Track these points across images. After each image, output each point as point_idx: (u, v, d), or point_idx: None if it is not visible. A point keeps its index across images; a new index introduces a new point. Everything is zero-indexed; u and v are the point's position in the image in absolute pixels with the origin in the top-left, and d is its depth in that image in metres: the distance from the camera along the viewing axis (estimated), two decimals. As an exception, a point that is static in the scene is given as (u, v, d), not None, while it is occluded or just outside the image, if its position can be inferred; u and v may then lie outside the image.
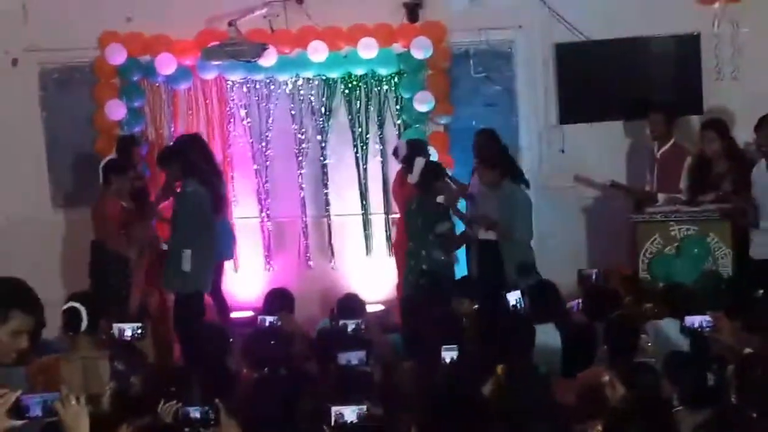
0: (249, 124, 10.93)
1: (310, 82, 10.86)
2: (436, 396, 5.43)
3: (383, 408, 5.78)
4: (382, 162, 10.89)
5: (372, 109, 10.85)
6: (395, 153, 10.23)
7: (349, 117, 10.86)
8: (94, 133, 10.67)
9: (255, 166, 10.95)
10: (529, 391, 5.63)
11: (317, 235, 11.06)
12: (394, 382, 6.46)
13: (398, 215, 10.33)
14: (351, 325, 7.35)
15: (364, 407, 5.37)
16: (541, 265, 9.25)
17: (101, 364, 6.29)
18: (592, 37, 10.54)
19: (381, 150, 10.88)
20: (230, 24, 10.18)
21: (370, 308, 9.14)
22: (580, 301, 8.18)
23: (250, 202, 10.91)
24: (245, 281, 10.74)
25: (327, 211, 11.01)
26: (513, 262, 9.11)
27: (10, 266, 7.46)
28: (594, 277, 8.59)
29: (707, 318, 6.92)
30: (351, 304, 8.04)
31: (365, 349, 6.70)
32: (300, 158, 10.95)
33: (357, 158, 10.92)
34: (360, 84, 10.83)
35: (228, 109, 10.92)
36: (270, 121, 10.92)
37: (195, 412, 5.37)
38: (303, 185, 10.98)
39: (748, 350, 6.43)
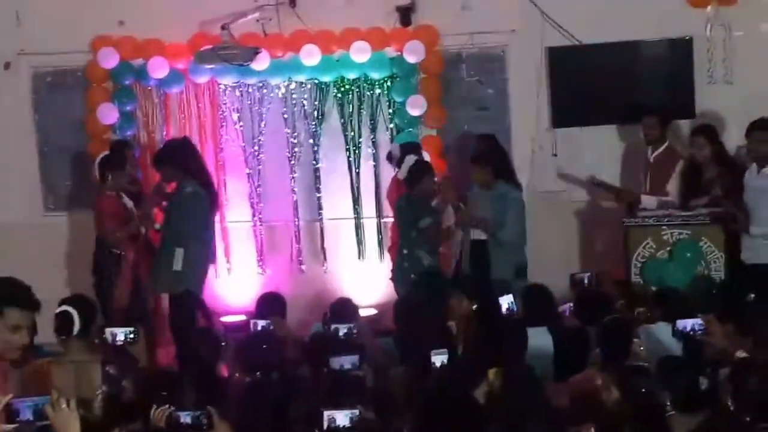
0: (241, 128, 10.92)
1: (303, 86, 10.86)
2: (429, 400, 5.42)
3: (376, 412, 5.77)
4: (374, 166, 10.89)
5: (364, 113, 10.85)
6: (389, 157, 10.24)
7: (342, 121, 10.86)
8: (86, 137, 10.67)
9: (247, 170, 10.94)
10: (524, 393, 5.61)
11: (310, 239, 11.05)
12: (387, 387, 6.44)
13: (392, 219, 10.33)
14: (343, 330, 7.35)
15: (357, 411, 5.36)
16: (534, 269, 9.25)
17: (93, 368, 6.28)
18: (585, 41, 10.54)
19: (373, 154, 10.88)
20: (223, 28, 10.18)
21: (362, 312, 9.14)
22: (571, 304, 8.18)
23: (242, 206, 10.90)
24: (238, 285, 10.73)
25: (319, 215, 11.01)
26: (501, 263, 9.09)
27: (2, 269, 7.42)
28: (586, 280, 8.59)
29: (699, 321, 6.93)
30: (343, 309, 8.03)
31: (358, 353, 6.69)
32: (292, 162, 10.94)
33: (349, 162, 10.92)
34: (352, 88, 10.82)
35: (220, 112, 10.90)
36: (262, 124, 10.91)
37: (186, 417, 5.36)
38: (295, 189, 10.97)
39: (741, 353, 6.43)
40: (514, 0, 10.58)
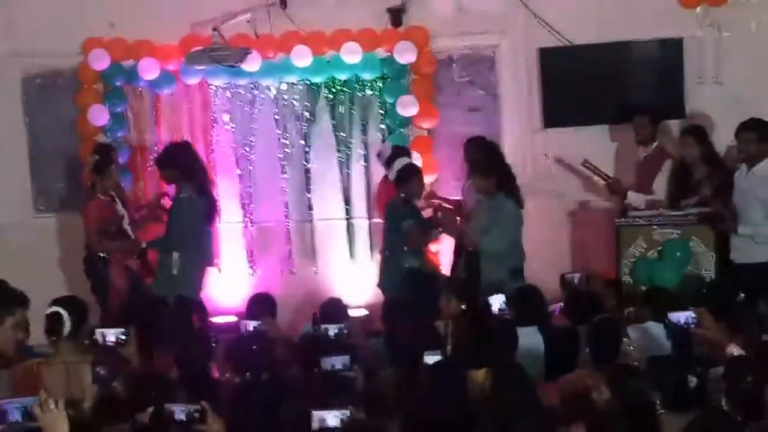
0: (232, 129, 10.92)
1: (294, 87, 10.85)
2: (418, 400, 5.43)
3: (366, 413, 5.77)
4: (365, 167, 10.89)
5: (355, 113, 10.85)
6: (379, 155, 10.26)
7: (333, 122, 10.86)
8: (77, 139, 10.65)
9: (238, 171, 10.94)
10: (513, 393, 5.62)
11: (300, 239, 11.05)
12: (377, 387, 6.44)
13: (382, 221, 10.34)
14: (334, 330, 7.35)
15: (347, 412, 5.37)
16: (525, 269, 9.23)
17: (83, 368, 6.27)
18: (576, 42, 10.56)
19: (364, 155, 10.88)
20: (214, 29, 10.16)
21: (353, 313, 9.14)
22: (561, 304, 8.20)
23: (233, 207, 10.89)
24: (228, 286, 10.72)
25: (310, 215, 11.01)
26: (491, 270, 9.05)
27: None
28: (577, 280, 8.61)
29: (691, 314, 6.95)
30: (334, 309, 8.04)
31: (349, 353, 6.70)
32: (283, 163, 10.93)
33: (340, 163, 10.92)
34: (344, 89, 10.82)
35: (211, 114, 10.90)
36: (253, 126, 10.91)
37: (180, 414, 5.36)
38: (286, 190, 10.97)
39: (735, 350, 6.44)
40: (505, 1, 10.59)
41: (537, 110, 10.77)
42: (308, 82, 10.80)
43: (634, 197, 9.61)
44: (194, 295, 9.45)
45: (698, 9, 10.41)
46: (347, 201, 10.94)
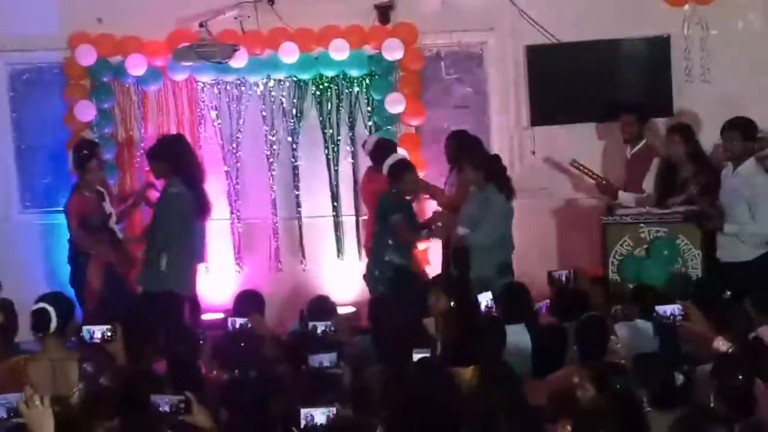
0: (219, 126, 10.90)
1: (281, 83, 10.84)
2: (405, 397, 5.43)
3: (353, 410, 5.77)
4: (353, 164, 10.89)
5: (343, 110, 10.85)
6: (364, 144, 10.29)
7: (320, 118, 10.85)
8: (64, 134, 10.62)
9: (225, 168, 10.92)
10: (499, 390, 5.62)
11: (288, 236, 11.04)
12: (364, 384, 6.44)
13: (367, 216, 10.34)
14: (321, 327, 7.34)
15: (334, 409, 5.37)
16: (512, 266, 9.24)
17: (70, 365, 6.26)
18: (563, 39, 10.57)
19: (352, 152, 10.88)
20: (201, 25, 10.16)
21: (340, 310, 9.13)
22: (547, 302, 8.20)
23: (220, 204, 10.85)
24: (215, 283, 10.71)
25: (298, 212, 11.00)
26: (480, 264, 9.06)
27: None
28: (564, 278, 8.60)
29: (678, 307, 6.95)
30: (321, 306, 8.03)
31: (336, 350, 6.69)
32: (271, 160, 10.93)
33: (328, 160, 10.92)
34: (331, 85, 10.82)
35: (198, 110, 10.88)
36: (241, 122, 10.89)
37: (165, 405, 5.36)
38: (274, 187, 10.96)
39: (722, 344, 6.45)
40: (493, -2, 10.62)
41: (524, 108, 10.79)
42: (296, 79, 10.79)
43: (624, 196, 9.62)
44: (185, 291, 9.42)
45: (686, 7, 10.44)
46: (335, 198, 10.94)
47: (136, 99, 10.84)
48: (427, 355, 6.41)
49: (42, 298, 6.56)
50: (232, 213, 10.97)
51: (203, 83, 10.81)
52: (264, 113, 10.88)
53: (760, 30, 10.57)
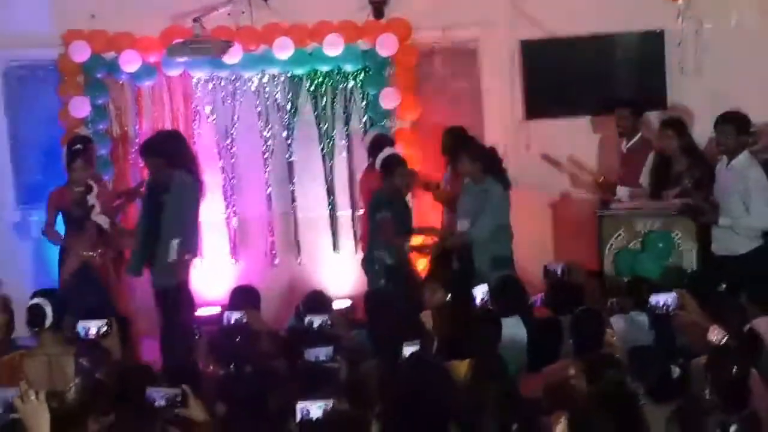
0: (214, 121, 10.91)
1: (276, 79, 10.85)
2: (401, 392, 5.43)
3: (349, 403, 5.77)
4: (348, 158, 10.90)
5: (338, 106, 10.86)
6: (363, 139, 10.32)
7: (315, 114, 10.86)
8: (58, 131, 10.60)
9: (220, 163, 10.93)
10: (493, 384, 5.63)
11: (283, 231, 11.05)
12: (360, 378, 6.44)
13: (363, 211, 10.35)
14: (318, 322, 7.34)
15: (330, 403, 5.37)
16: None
17: (66, 360, 6.27)
18: (557, 34, 10.59)
19: (347, 147, 10.89)
20: (195, 21, 10.11)
21: (336, 304, 9.13)
22: (542, 295, 8.21)
23: (215, 199, 10.86)
24: (211, 278, 10.71)
25: (293, 207, 11.00)
26: (478, 255, 9.08)
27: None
28: (559, 271, 8.61)
29: (673, 295, 6.97)
30: (317, 301, 8.03)
31: (332, 344, 6.70)
32: (266, 155, 10.93)
33: (323, 155, 10.92)
34: (325, 81, 10.83)
35: (193, 106, 10.88)
36: (235, 118, 10.90)
37: (161, 400, 5.37)
38: (269, 182, 10.97)
39: (717, 333, 6.47)
40: (487, -8, 10.62)
41: (519, 102, 10.81)
42: (290, 75, 10.80)
43: (621, 192, 9.63)
44: (187, 281, 9.40)
45: (680, 1, 10.45)
46: (330, 192, 10.95)
47: (131, 95, 10.83)
48: (417, 348, 6.41)
49: (37, 294, 6.57)
50: (227, 208, 10.97)
51: (198, 79, 10.81)
52: (259, 109, 10.89)
53: (754, 24, 10.58)
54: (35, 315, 6.41)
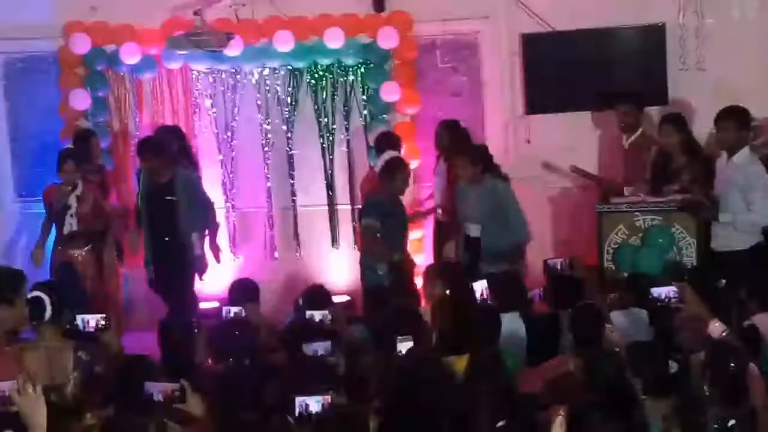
0: (214, 114, 10.92)
1: (276, 72, 10.85)
2: (399, 386, 5.43)
3: (347, 397, 5.77)
4: (348, 152, 10.89)
5: (338, 99, 10.85)
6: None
7: (315, 107, 10.85)
8: (59, 123, 10.60)
9: (220, 157, 10.94)
10: (489, 378, 5.63)
11: (283, 225, 11.05)
12: (359, 372, 6.44)
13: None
14: (318, 316, 7.34)
15: (329, 397, 5.37)
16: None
17: (65, 353, 6.26)
18: (558, 28, 10.57)
19: (347, 140, 10.88)
20: (195, 13, 10.11)
21: (336, 298, 9.12)
22: (541, 289, 8.20)
23: (215, 193, 10.85)
24: (210, 272, 10.68)
25: (293, 201, 11.00)
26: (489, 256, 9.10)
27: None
28: (559, 266, 8.60)
29: (673, 288, 6.97)
30: (317, 295, 8.02)
31: (331, 339, 6.69)
32: (266, 149, 10.93)
33: (323, 149, 10.91)
34: (326, 74, 10.82)
35: (193, 99, 10.89)
36: (236, 111, 10.90)
37: (158, 394, 5.36)
38: (269, 176, 10.97)
39: (717, 327, 6.47)
40: (488, -14, 10.61)
41: (520, 96, 10.79)
42: (290, 68, 10.79)
43: (629, 193, 9.60)
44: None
45: (681, -5, 10.45)
46: (330, 187, 10.94)
47: (131, 87, 10.83)
48: (412, 343, 6.40)
49: (36, 287, 6.56)
50: (227, 202, 10.97)
51: (198, 72, 10.82)
52: (259, 102, 10.89)
53: (756, 18, 10.55)
54: (35, 308, 6.39)
